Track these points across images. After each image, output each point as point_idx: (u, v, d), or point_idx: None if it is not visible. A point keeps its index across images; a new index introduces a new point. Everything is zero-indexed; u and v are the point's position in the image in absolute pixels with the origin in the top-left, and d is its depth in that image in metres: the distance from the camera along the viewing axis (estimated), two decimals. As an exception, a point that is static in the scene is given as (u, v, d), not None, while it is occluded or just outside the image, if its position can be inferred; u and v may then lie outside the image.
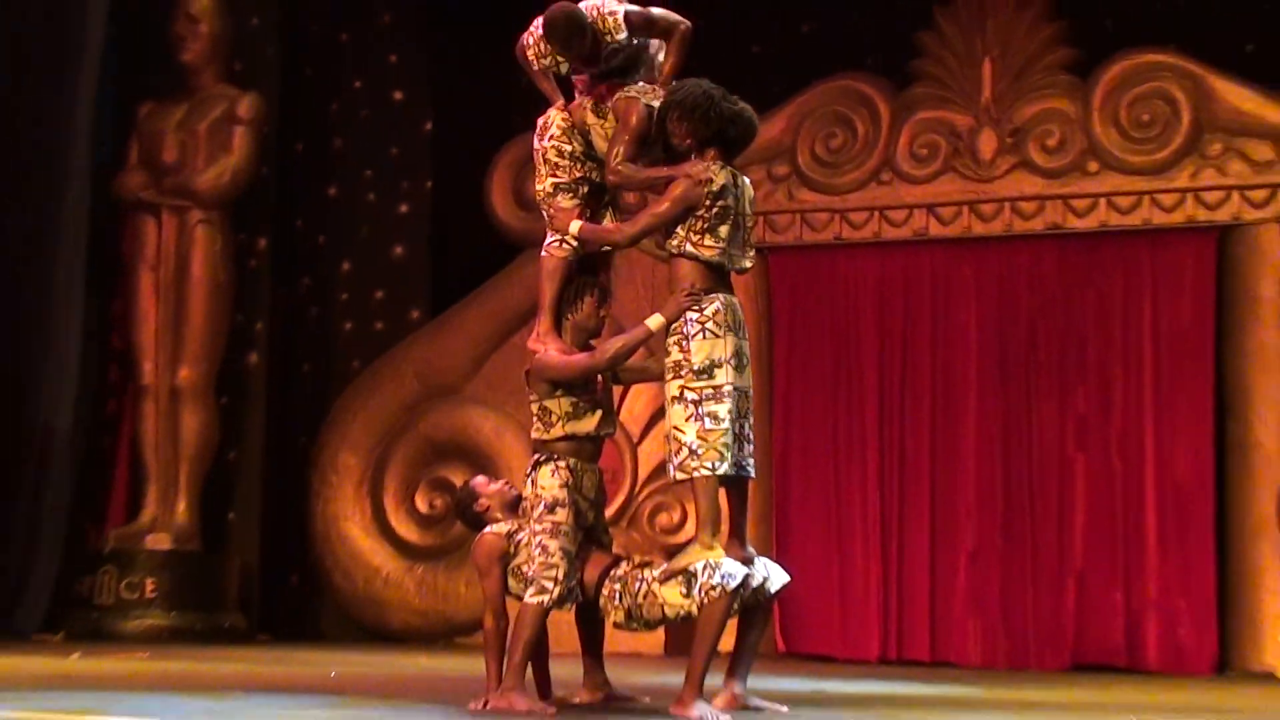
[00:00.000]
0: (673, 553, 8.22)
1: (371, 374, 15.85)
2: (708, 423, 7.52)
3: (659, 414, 14.13)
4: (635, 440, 14.38)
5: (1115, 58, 13.71)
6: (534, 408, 8.03)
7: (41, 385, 14.63)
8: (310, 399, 16.27)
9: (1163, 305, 13.57)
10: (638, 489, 14.53)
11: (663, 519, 14.35)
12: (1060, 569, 13.55)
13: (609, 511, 13.93)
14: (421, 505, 15.42)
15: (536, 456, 7.96)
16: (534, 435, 8.08)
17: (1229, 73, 13.49)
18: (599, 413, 8.02)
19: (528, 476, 7.99)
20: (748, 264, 7.91)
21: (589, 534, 7.96)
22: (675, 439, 7.58)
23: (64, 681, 9.50)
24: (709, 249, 7.63)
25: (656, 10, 8.28)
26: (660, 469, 14.23)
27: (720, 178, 7.65)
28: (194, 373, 15.30)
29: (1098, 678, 12.38)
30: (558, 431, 7.94)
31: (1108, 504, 13.52)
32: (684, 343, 7.58)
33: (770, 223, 14.52)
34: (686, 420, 7.55)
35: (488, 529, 8.18)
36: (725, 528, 7.82)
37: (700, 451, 7.51)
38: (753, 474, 7.89)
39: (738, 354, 7.68)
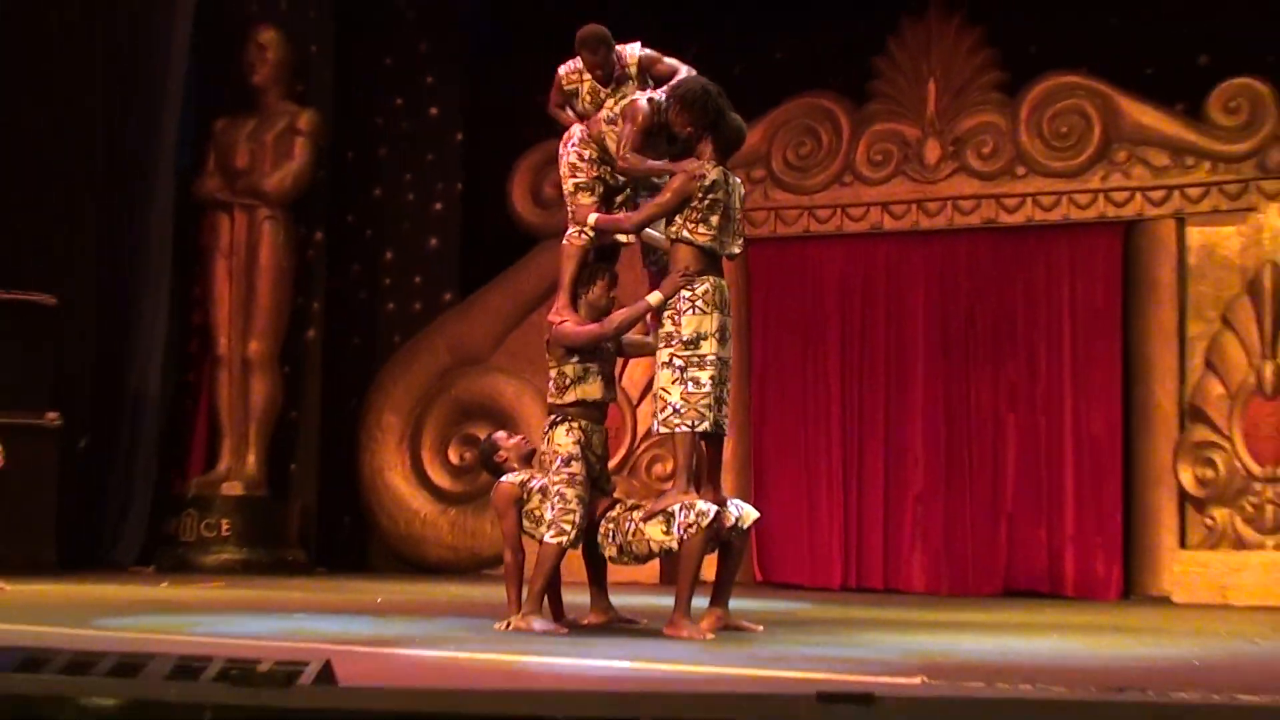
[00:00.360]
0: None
1: (410, 347, 15.90)
2: (690, 386, 7.73)
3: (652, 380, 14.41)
4: (634, 402, 14.32)
5: (1038, 79, 13.77)
6: (552, 373, 8.22)
7: (135, 357, 14.78)
8: (359, 368, 16.22)
9: (1079, 288, 13.62)
10: (637, 444, 14.55)
11: (658, 469, 14.31)
12: (993, 510, 13.59)
13: (612, 463, 14.22)
14: (453, 458, 15.49)
15: (553, 418, 8.13)
16: (549, 400, 8.23)
17: (1132, 92, 13.57)
18: (604, 381, 8.25)
19: (544, 434, 8.20)
20: (737, 250, 8.11)
21: (594, 483, 8.21)
22: (662, 398, 7.80)
23: (157, 605, 9.75)
24: (702, 235, 7.83)
25: (666, 61, 8.55)
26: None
27: (713, 174, 7.86)
28: (261, 345, 15.35)
29: (1025, 601, 12.42)
30: (570, 396, 8.11)
31: (1033, 455, 13.58)
32: (676, 316, 7.79)
33: (749, 219, 14.49)
34: (673, 383, 7.77)
35: (505, 478, 8.36)
36: (698, 474, 8.07)
37: (683, 410, 7.71)
38: (727, 431, 8.14)
39: (721, 329, 7.87)
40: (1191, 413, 12.98)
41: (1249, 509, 12.53)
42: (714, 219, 7.86)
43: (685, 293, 7.83)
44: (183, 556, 14.60)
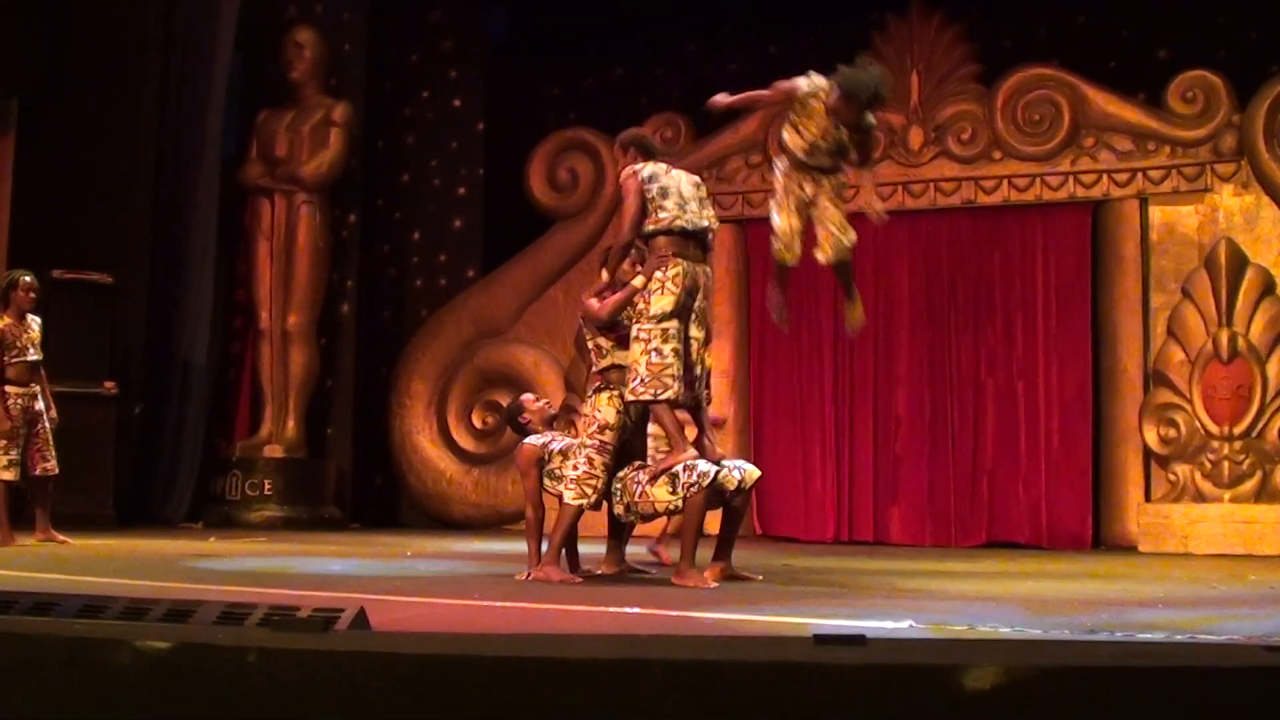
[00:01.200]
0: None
1: (437, 320, 15.92)
2: (653, 357, 7.69)
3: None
4: None
5: (1012, 71, 13.78)
6: (589, 344, 8.26)
7: (184, 331, 14.84)
8: (389, 340, 16.24)
9: (1052, 263, 13.66)
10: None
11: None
12: (975, 468, 13.63)
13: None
14: (477, 422, 15.52)
15: (597, 384, 8.13)
16: (593, 369, 8.28)
17: (1098, 82, 13.58)
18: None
19: (587, 399, 8.20)
20: (705, 222, 7.99)
21: (624, 448, 8.19)
22: (633, 369, 7.77)
23: (204, 558, 9.80)
24: (662, 219, 7.81)
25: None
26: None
27: (647, 167, 7.93)
28: (300, 319, 15.38)
29: (1005, 552, 12.44)
30: (607, 361, 8.15)
31: (1011, 417, 13.61)
32: (647, 296, 7.79)
33: (748, 200, 14.59)
34: (640, 355, 7.73)
35: (528, 439, 8.37)
36: (691, 434, 8.08)
37: (648, 380, 7.69)
38: (703, 402, 8.08)
39: (685, 308, 7.81)
40: (1155, 377, 12.97)
41: (1208, 465, 12.56)
42: (667, 202, 7.84)
43: (658, 274, 7.79)
44: (228, 514, 14.66)
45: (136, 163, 14.55)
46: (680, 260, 7.81)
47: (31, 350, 10.56)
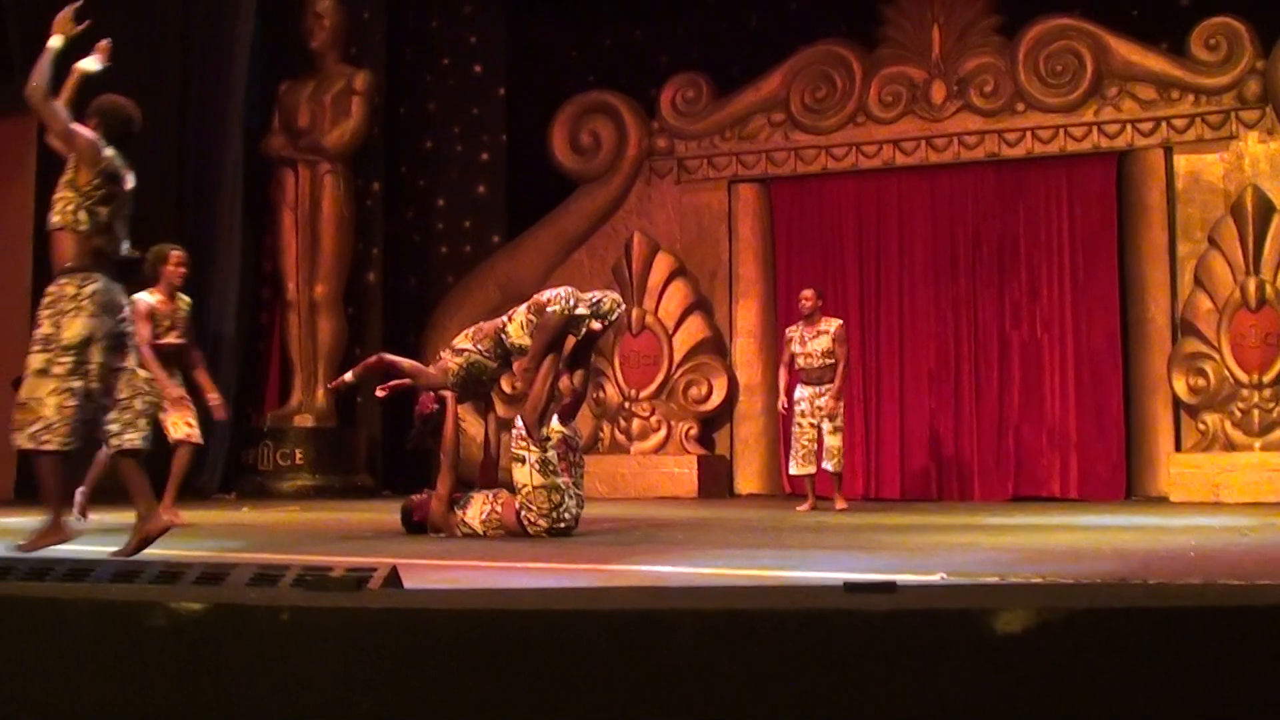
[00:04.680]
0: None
1: (462, 286, 15.91)
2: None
3: (689, 311, 14.42)
4: (670, 332, 14.49)
5: (1034, 22, 13.79)
6: None
7: (212, 303, 14.86)
8: (416, 306, 16.24)
9: (1077, 214, 13.68)
10: (674, 369, 14.65)
11: (693, 392, 14.51)
12: (1001, 421, 13.65)
13: (652, 388, 14.29)
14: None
15: None
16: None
17: (1120, 32, 13.57)
18: None
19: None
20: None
21: None
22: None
23: (239, 529, 9.86)
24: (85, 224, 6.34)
25: None
26: (691, 352, 14.50)
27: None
28: (327, 288, 15.45)
29: (1034, 505, 12.45)
30: None
31: (1037, 369, 13.64)
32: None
33: (771, 158, 14.64)
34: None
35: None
36: None
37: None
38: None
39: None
40: (1183, 326, 12.97)
41: (1237, 414, 12.53)
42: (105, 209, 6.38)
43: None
44: (261, 484, 14.75)
45: (159, 136, 14.56)
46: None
47: (174, 334, 9.71)
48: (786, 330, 12.19)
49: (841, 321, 11.96)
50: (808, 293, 11.91)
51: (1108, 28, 13.59)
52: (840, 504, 11.56)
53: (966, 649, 2.51)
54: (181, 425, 9.54)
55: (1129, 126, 13.41)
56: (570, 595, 2.99)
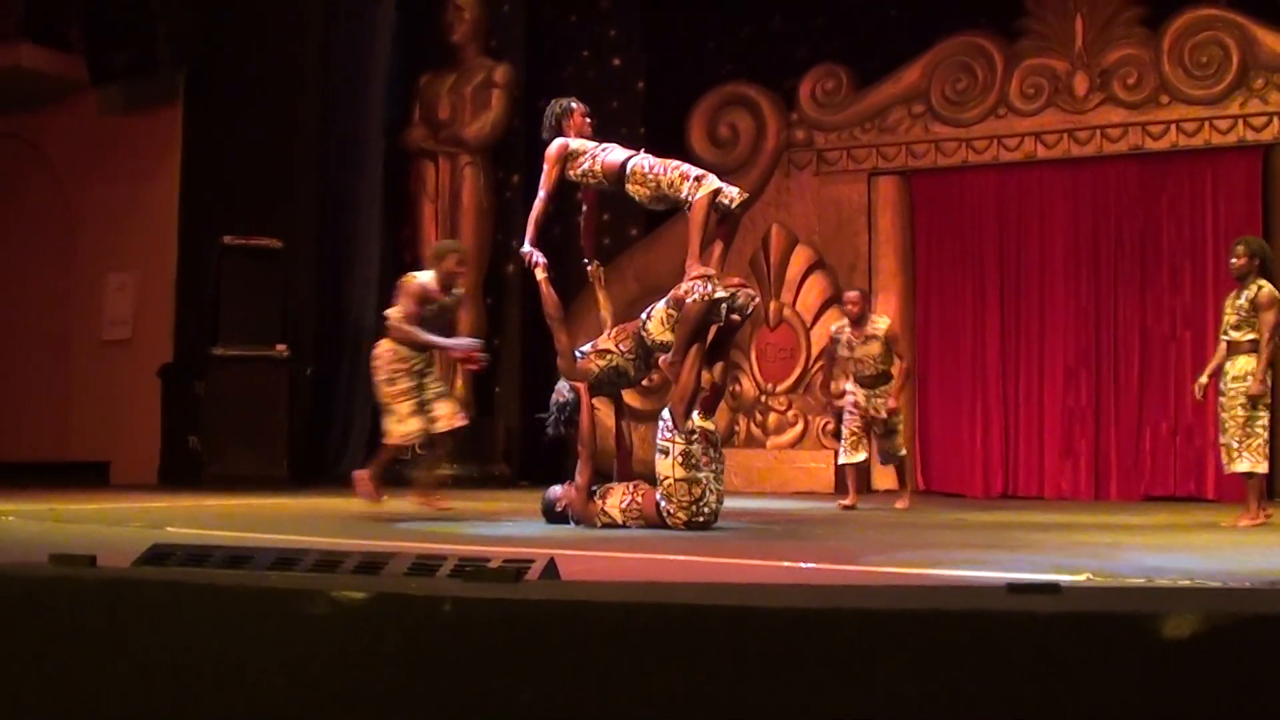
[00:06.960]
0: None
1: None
2: None
3: (828, 303, 14.37)
4: (808, 325, 14.48)
5: (1178, 13, 13.62)
6: None
7: (353, 293, 15.06)
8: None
9: (1220, 208, 13.49)
10: (811, 363, 14.59)
11: (831, 386, 14.40)
12: (1140, 419, 13.54)
13: (789, 382, 14.23)
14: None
15: None
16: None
17: (1266, 22, 13.36)
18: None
19: None
20: None
21: None
22: None
23: (378, 515, 9.97)
24: None
25: None
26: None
27: None
28: (465, 280, 15.51)
29: (1170, 506, 12.28)
30: None
31: (1176, 366, 13.46)
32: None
33: (911, 151, 14.57)
34: None
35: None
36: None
37: None
38: None
39: None
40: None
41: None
42: None
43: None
44: (399, 472, 14.77)
45: (301, 129, 14.78)
46: None
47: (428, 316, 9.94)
48: (832, 328, 11.99)
49: (889, 319, 11.84)
50: (852, 294, 11.72)
51: (1254, 18, 13.38)
52: (902, 502, 11.47)
53: (1133, 654, 2.48)
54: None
55: (1276, 119, 13.21)
56: (731, 591, 2.98)
